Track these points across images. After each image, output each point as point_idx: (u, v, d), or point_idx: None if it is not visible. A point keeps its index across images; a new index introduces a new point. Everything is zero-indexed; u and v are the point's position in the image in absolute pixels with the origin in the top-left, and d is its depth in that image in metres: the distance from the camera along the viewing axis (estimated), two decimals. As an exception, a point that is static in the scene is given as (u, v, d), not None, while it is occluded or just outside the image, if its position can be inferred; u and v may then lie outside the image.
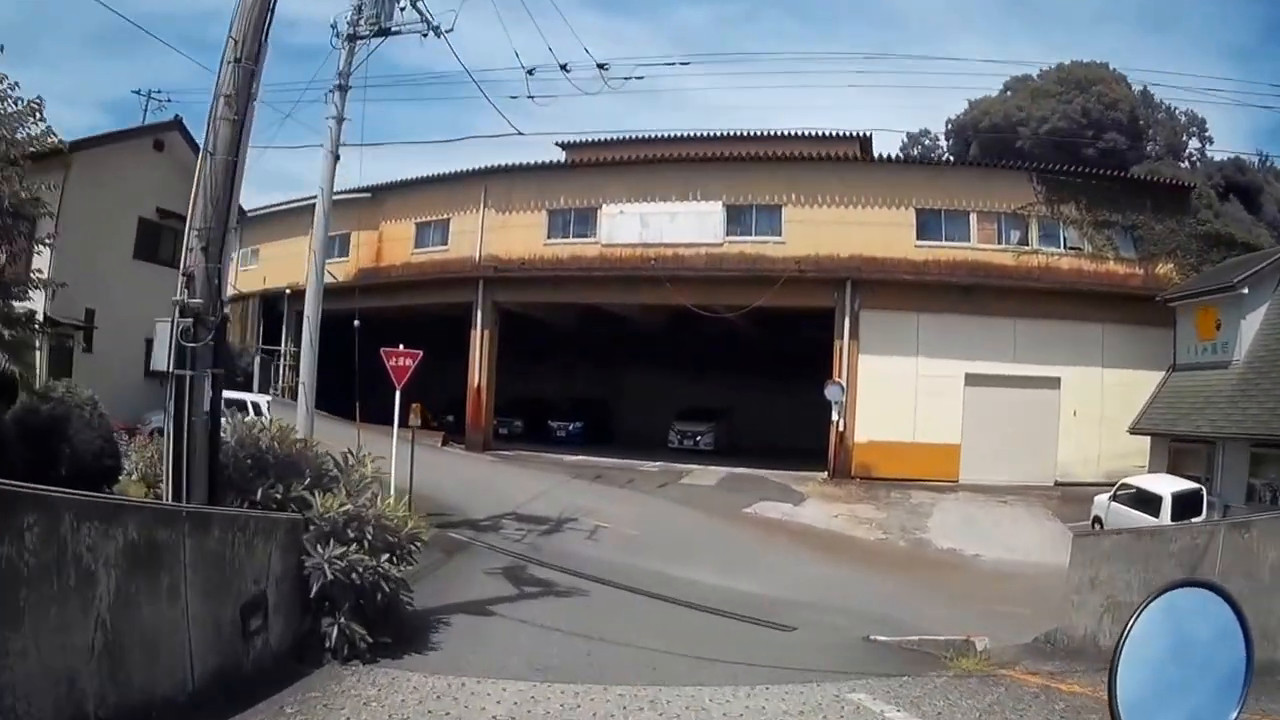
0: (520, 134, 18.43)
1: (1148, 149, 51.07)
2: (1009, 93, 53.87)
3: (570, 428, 32.46)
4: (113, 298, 21.82)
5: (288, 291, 31.56)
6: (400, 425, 16.16)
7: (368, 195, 30.31)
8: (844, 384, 26.09)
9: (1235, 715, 1.55)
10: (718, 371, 33.72)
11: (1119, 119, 50.15)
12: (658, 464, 27.22)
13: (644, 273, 26.18)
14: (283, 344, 32.25)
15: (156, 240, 24.79)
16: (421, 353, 16.59)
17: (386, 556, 7.90)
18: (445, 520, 16.60)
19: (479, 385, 27.75)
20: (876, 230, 26.90)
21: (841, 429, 26.16)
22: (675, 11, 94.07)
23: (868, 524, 20.42)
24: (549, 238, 27.45)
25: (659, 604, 11.84)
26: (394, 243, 29.95)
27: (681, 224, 26.62)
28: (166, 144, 25.07)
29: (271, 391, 31.65)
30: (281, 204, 32.89)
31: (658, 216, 26.71)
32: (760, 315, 30.24)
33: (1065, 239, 28.14)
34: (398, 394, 16.36)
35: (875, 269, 26.48)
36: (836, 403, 26.15)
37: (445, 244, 28.86)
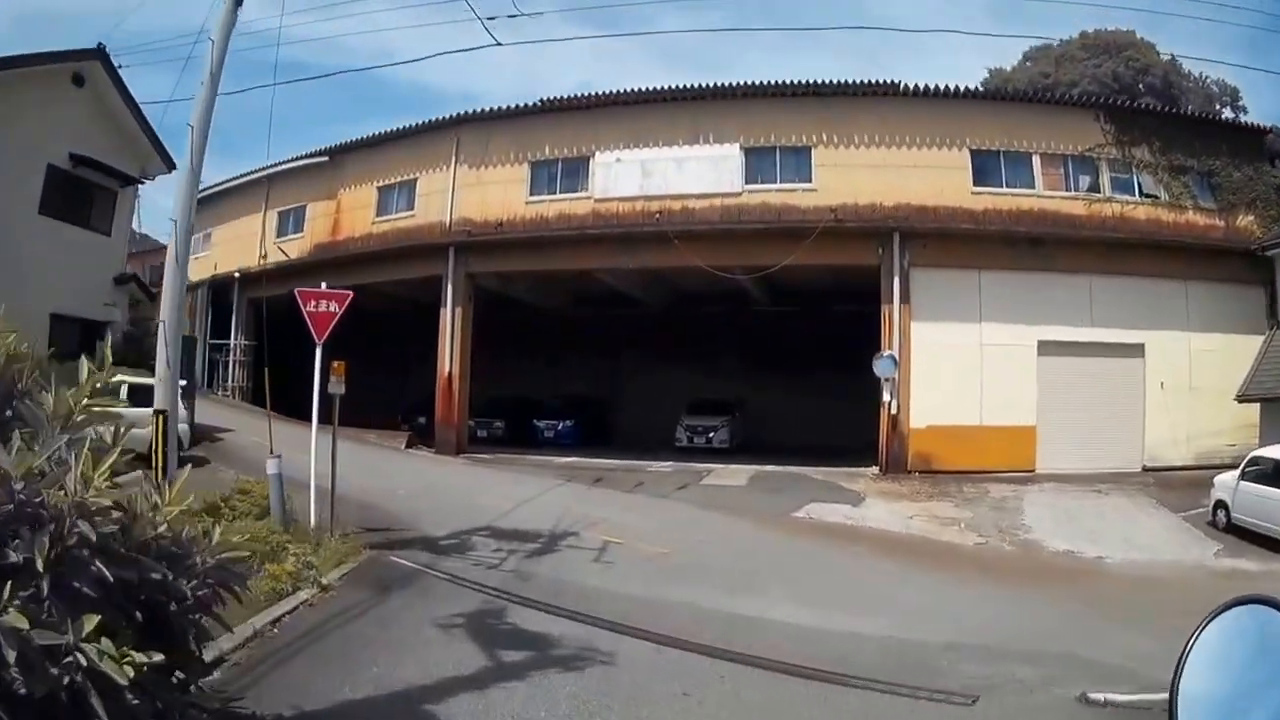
0: (499, 44, 13.27)
1: (1185, 115, 45.41)
2: (1029, 62, 48.47)
3: (560, 427, 26.69)
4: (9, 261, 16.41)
5: (238, 275, 25.98)
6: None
7: (324, 159, 24.98)
8: (896, 356, 20.20)
9: None
10: (731, 360, 28.37)
11: (1153, 83, 44.64)
12: (668, 464, 21.77)
13: (646, 229, 20.62)
14: (233, 336, 26.61)
15: (70, 193, 19.90)
16: (352, 294, 12.16)
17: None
18: (392, 538, 11.99)
19: (450, 374, 22.31)
20: (925, 175, 21.44)
21: (894, 412, 20.46)
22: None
23: (954, 525, 15.34)
24: (532, 194, 21.90)
25: (737, 668, 6.69)
26: (353, 212, 24.47)
27: (691, 172, 21.03)
28: (87, 78, 20.01)
29: (221, 392, 26.02)
30: (234, 179, 27.50)
31: (662, 163, 21.13)
32: (783, 285, 24.98)
33: (1139, 185, 23.08)
34: (318, 353, 11.83)
35: (926, 219, 20.91)
36: (888, 380, 20.43)
37: (411, 209, 23.39)
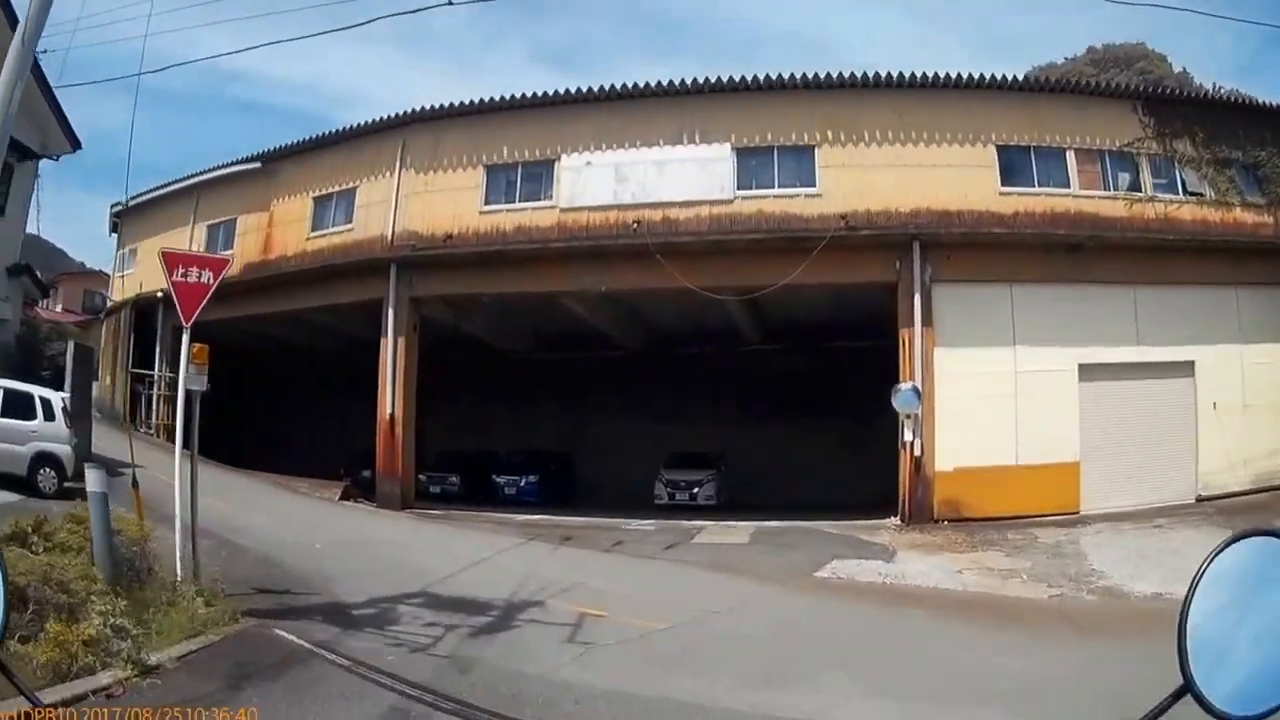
0: (450, 2, 9.52)
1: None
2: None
3: (522, 483, 22.34)
4: None
5: (161, 296, 22.04)
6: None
7: (256, 165, 21.07)
8: (919, 387, 16.48)
9: None
10: (715, 407, 24.70)
11: (1167, 92, 41.26)
12: (649, 522, 18.05)
13: (621, 241, 16.97)
14: (156, 366, 22.61)
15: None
16: (228, 261, 10.14)
17: None
18: (287, 603, 9.26)
19: (392, 417, 18.53)
20: (947, 175, 17.96)
21: (918, 453, 16.69)
22: None
23: (1015, 577, 12.30)
24: (487, 203, 18.14)
25: None
26: (287, 226, 20.66)
27: (674, 176, 17.37)
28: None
29: (144, 429, 22.09)
30: (161, 187, 23.56)
31: (640, 167, 17.47)
32: (776, 318, 21.43)
33: (1183, 182, 19.58)
34: (185, 339, 9.37)
35: (950, 224, 17.24)
36: (909, 416, 16.72)
37: (349, 222, 19.62)
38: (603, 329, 21.88)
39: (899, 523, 17.04)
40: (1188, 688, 1.26)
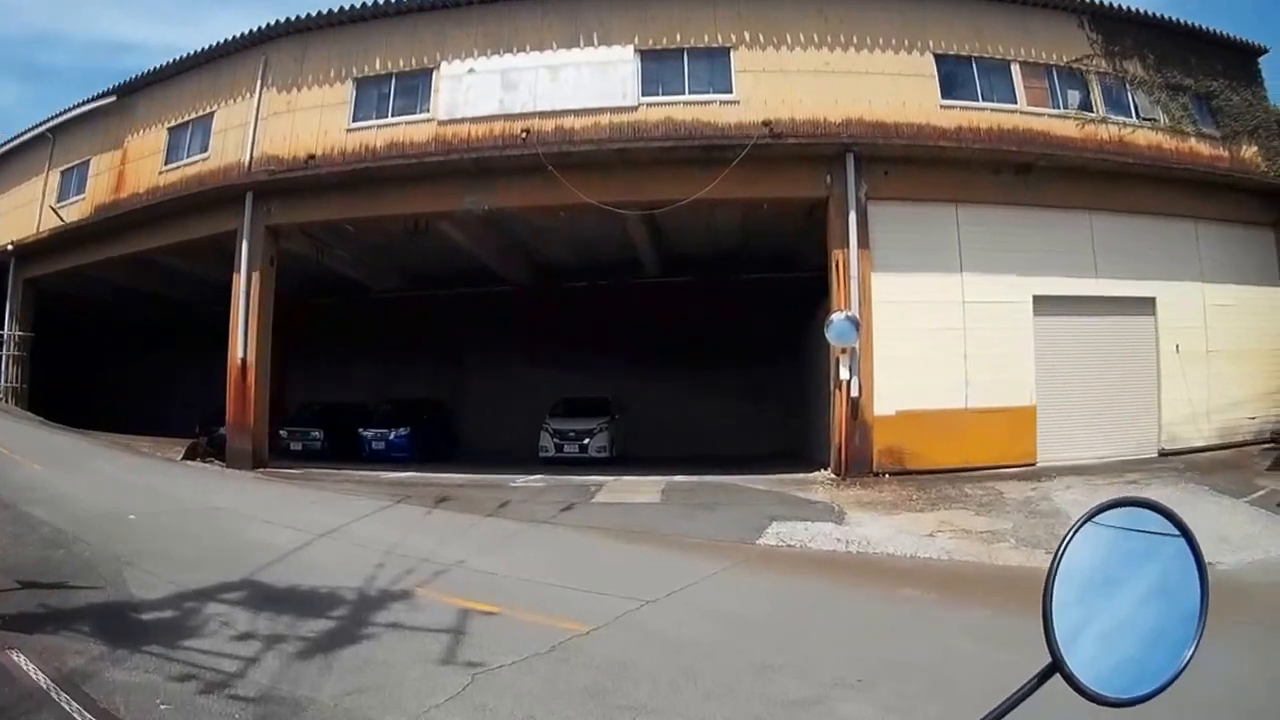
0: None
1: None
2: None
3: (392, 437, 18.71)
4: None
5: (11, 248, 18.76)
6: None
7: (111, 100, 17.78)
8: (856, 316, 13.73)
9: (1193, 644, 1.11)
10: (608, 351, 20.90)
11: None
12: (538, 477, 14.47)
13: (508, 153, 13.74)
14: (5, 326, 19.20)
15: None
16: None
17: None
18: (52, 603, 6.15)
19: (244, 362, 14.90)
20: (882, 84, 15.10)
21: (854, 394, 13.79)
22: None
23: (1001, 541, 9.31)
24: (356, 120, 14.86)
25: None
26: (141, 162, 17.18)
27: (569, 82, 14.34)
28: None
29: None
30: (16, 137, 20.18)
31: (530, 73, 14.38)
32: (676, 248, 18.17)
33: (1136, 106, 16.80)
34: None
35: (888, 137, 14.45)
36: (845, 350, 13.78)
37: (205, 151, 16.16)
38: (484, 261, 18.33)
39: (834, 476, 13.98)
40: (1056, 667, 1.07)
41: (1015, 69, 16.22)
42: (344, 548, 8.74)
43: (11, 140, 20.10)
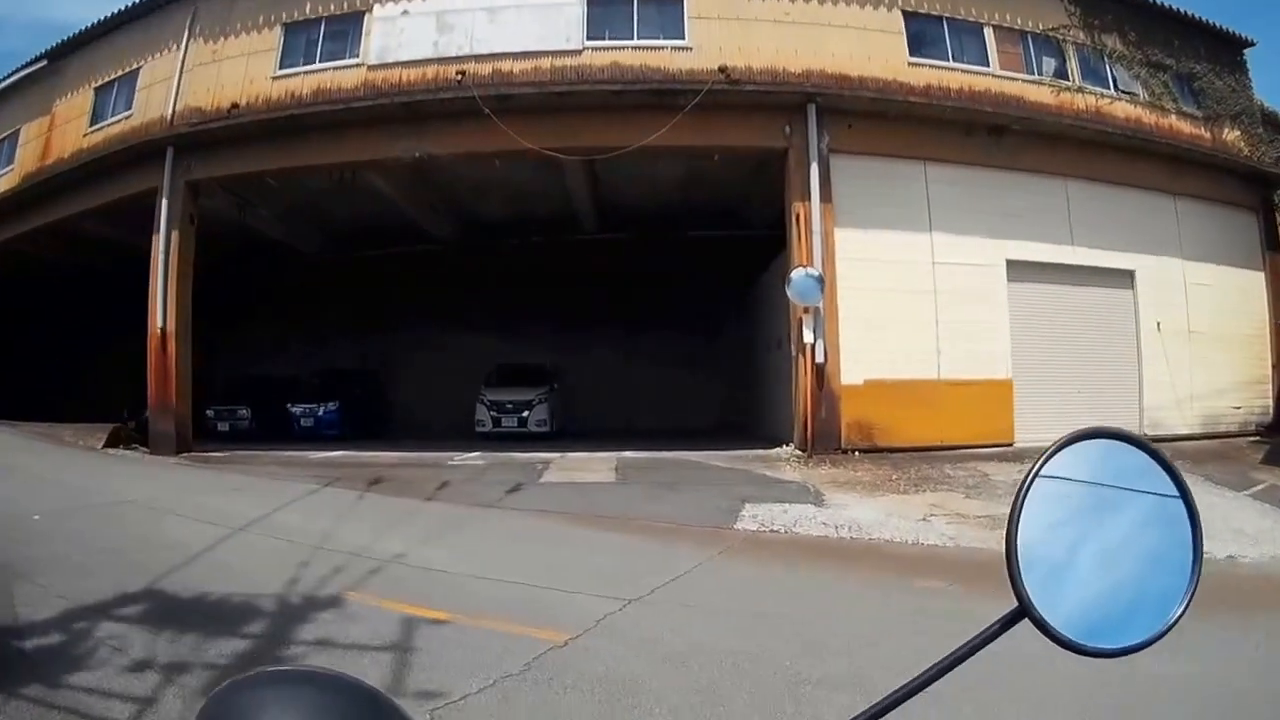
0: None
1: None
2: None
3: (321, 413, 16.28)
4: None
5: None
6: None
7: (42, 65, 15.81)
8: (820, 274, 11.72)
9: (1188, 596, 0.87)
10: (544, 318, 18.52)
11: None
12: (478, 454, 12.30)
13: (441, 97, 11.80)
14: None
15: None
16: None
17: None
18: None
19: (164, 332, 12.68)
20: (847, 37, 13.29)
21: (819, 359, 11.74)
22: None
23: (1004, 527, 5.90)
24: (283, 67, 12.90)
25: None
26: (67, 125, 15.13)
27: (508, 24, 12.44)
28: None
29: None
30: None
31: (468, 15, 12.48)
32: (617, 204, 16.15)
33: (1114, 79, 15.07)
34: None
35: (851, 89, 12.59)
36: (809, 310, 11.76)
37: (130, 108, 14.13)
38: (414, 217, 16.20)
39: (799, 452, 11.81)
40: (1024, 611, 0.85)
41: (989, 32, 14.55)
42: (265, 543, 6.92)
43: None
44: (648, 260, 17.55)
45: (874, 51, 13.37)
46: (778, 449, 12.07)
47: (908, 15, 13.91)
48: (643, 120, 11.79)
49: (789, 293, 11.73)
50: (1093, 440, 0.93)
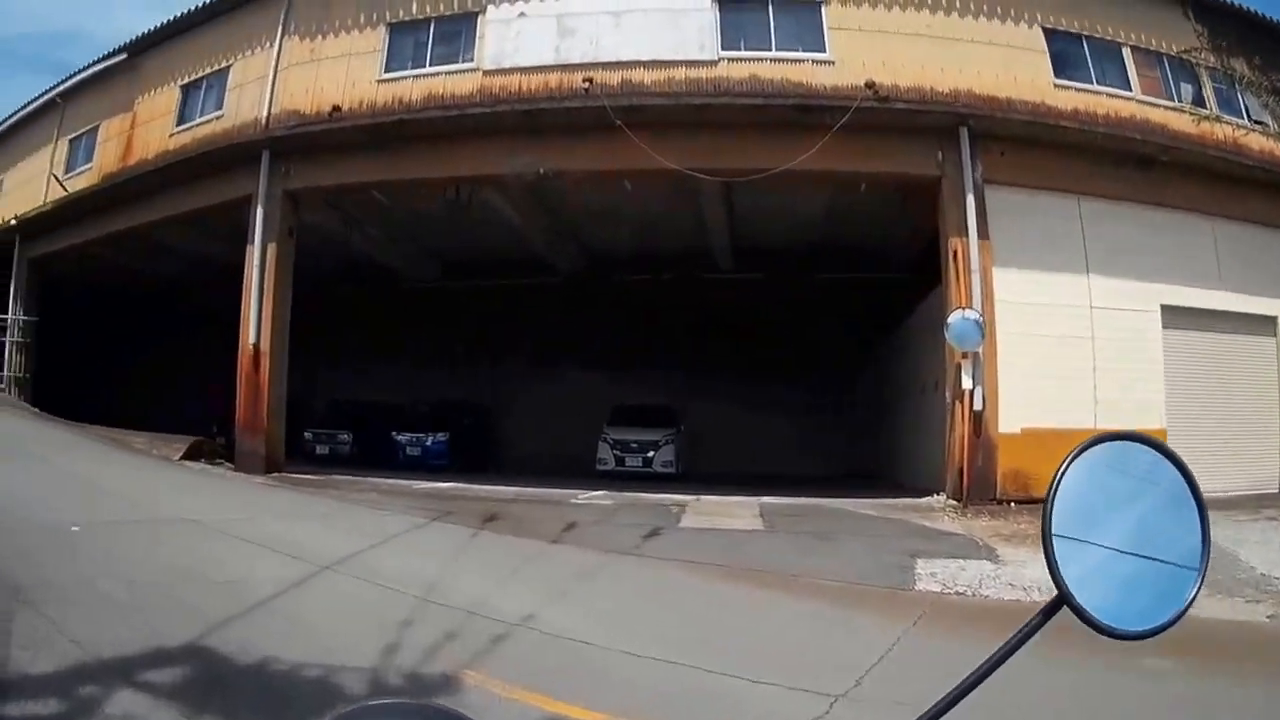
0: None
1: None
2: None
3: (429, 443, 14.56)
4: None
5: (14, 222, 14.92)
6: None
7: (121, 58, 14.02)
8: (980, 318, 9.79)
9: (1198, 581, 0.91)
10: (663, 354, 16.33)
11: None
12: (602, 492, 10.44)
13: (567, 105, 9.90)
14: (10, 308, 15.19)
15: None
16: None
17: None
18: None
19: (257, 349, 10.94)
20: (991, 55, 11.36)
21: (978, 407, 9.80)
22: None
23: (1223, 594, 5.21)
24: (389, 70, 11.05)
25: None
26: (151, 125, 13.32)
27: (635, 30, 10.56)
28: None
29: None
30: (26, 106, 16.39)
31: (590, 19, 10.63)
32: (750, 240, 14.03)
33: (1246, 107, 12.95)
34: None
35: (1002, 111, 10.63)
36: (967, 356, 9.85)
37: (220, 108, 12.32)
38: (531, 245, 14.18)
39: (953, 502, 9.97)
40: (1064, 600, 0.87)
41: (1127, 53, 12.57)
42: (355, 589, 5.13)
43: (21, 109, 16.34)
44: (777, 301, 15.56)
45: (1019, 71, 11.47)
46: (929, 498, 10.19)
47: (1048, 32, 12.01)
48: (785, 140, 9.90)
49: (948, 336, 9.82)
50: (1112, 443, 0.94)
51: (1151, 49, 12.60)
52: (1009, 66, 11.37)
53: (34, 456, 9.79)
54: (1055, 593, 0.86)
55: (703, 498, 9.87)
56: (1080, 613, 0.86)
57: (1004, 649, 0.84)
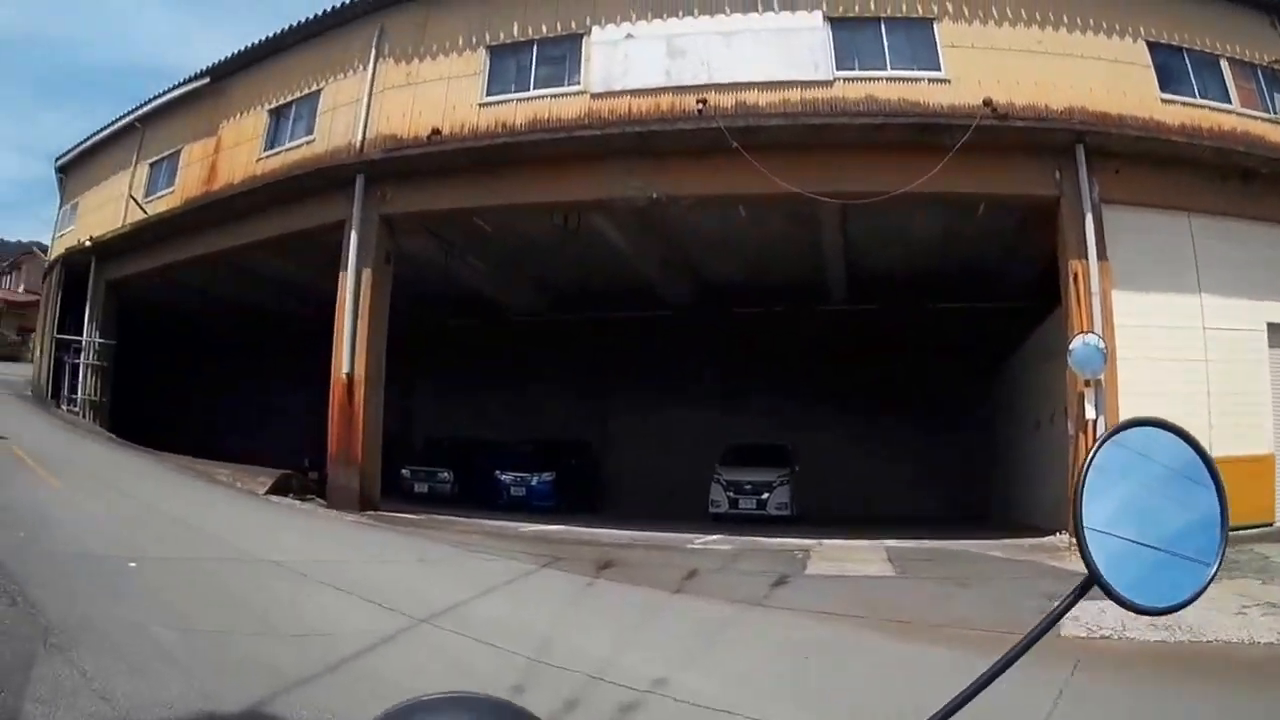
0: None
1: None
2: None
3: (534, 482, 13.66)
4: None
5: (89, 243, 14.38)
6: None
7: (204, 82, 13.45)
8: (1102, 344, 9.13)
9: (1217, 559, 0.92)
10: (773, 391, 15.14)
11: None
12: (719, 536, 9.75)
13: (682, 127, 9.26)
14: (85, 330, 14.65)
15: None
16: None
17: None
18: None
19: (349, 377, 10.30)
20: (1099, 70, 10.72)
21: (1099, 434, 9.03)
22: None
23: None
24: (491, 93, 10.43)
25: None
26: (236, 149, 12.76)
27: (746, 51, 9.92)
28: None
29: (67, 406, 14.35)
30: (105, 128, 15.83)
31: (701, 40, 9.97)
32: (866, 267, 13.27)
33: None
34: None
35: (1116, 128, 9.95)
36: (1091, 382, 9.19)
37: (310, 134, 11.71)
38: (642, 275, 13.31)
39: (1071, 540, 9.58)
40: (1094, 579, 0.89)
41: (1225, 65, 11.82)
42: (457, 646, 4.39)
43: (98, 133, 15.74)
44: (888, 334, 14.59)
45: (1127, 86, 10.80)
46: (1051, 537, 9.56)
47: (1151, 45, 11.31)
48: (904, 161, 9.27)
49: (1071, 363, 9.19)
50: (1136, 429, 0.95)
51: (1247, 60, 11.91)
52: (1117, 81, 10.71)
53: (103, 484, 9.29)
54: (1086, 574, 0.88)
55: (824, 542, 9.26)
56: (1109, 591, 0.87)
57: (1041, 626, 0.85)
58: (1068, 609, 0.87)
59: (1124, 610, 0.92)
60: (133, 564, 5.62)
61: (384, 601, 5.15)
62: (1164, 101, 10.94)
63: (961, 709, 0.82)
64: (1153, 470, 0.93)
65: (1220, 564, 0.91)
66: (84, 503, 7.93)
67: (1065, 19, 10.83)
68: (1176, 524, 0.92)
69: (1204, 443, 4.25)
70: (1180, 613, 3.47)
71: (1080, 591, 0.87)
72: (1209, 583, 0.90)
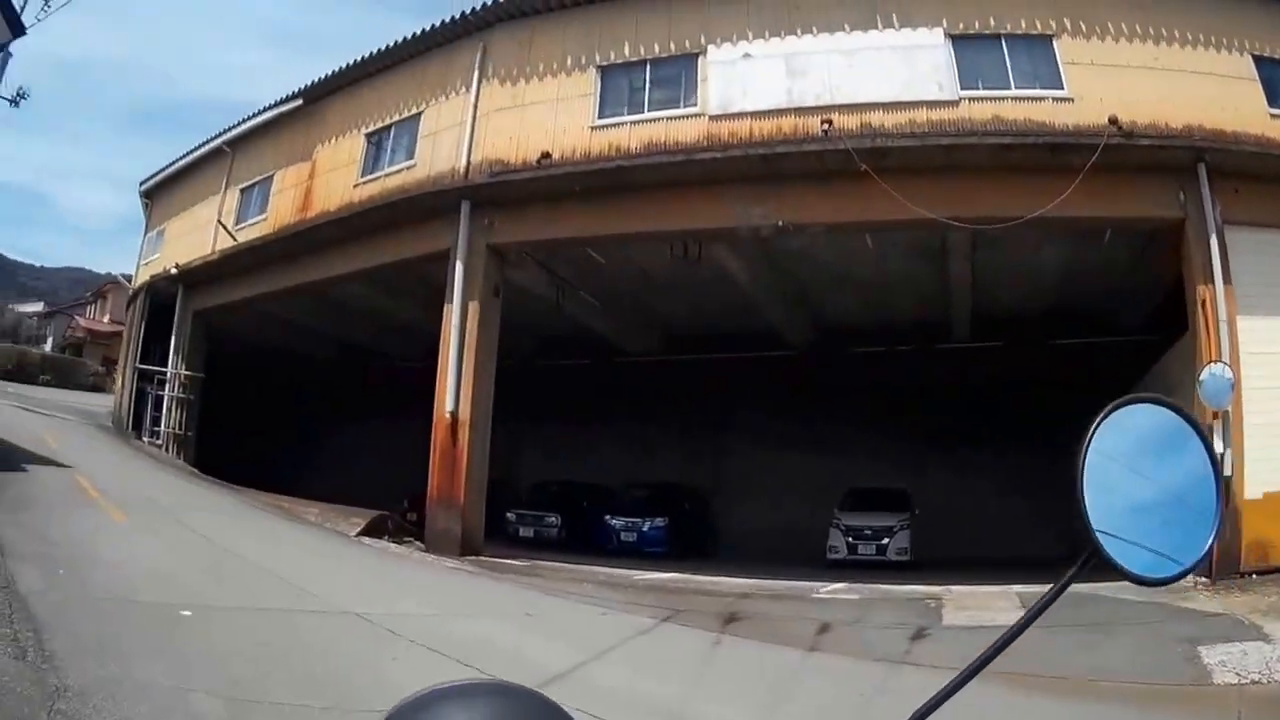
0: None
1: None
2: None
3: (646, 528, 12.84)
4: None
5: (175, 270, 13.89)
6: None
7: (297, 104, 12.92)
8: (1228, 373, 8.56)
9: (1213, 532, 0.92)
10: (887, 433, 14.19)
11: None
12: (843, 585, 9.20)
13: (808, 149, 8.72)
14: (170, 360, 14.20)
15: None
16: None
17: None
18: None
19: (454, 416, 9.68)
20: (1210, 86, 10.07)
21: (1228, 473, 8.58)
22: None
23: None
24: (603, 115, 9.89)
25: None
26: (331, 175, 12.19)
27: (869, 70, 9.36)
28: None
29: (149, 438, 13.85)
30: (193, 151, 15.28)
31: (821, 58, 9.41)
32: (993, 302, 12.31)
33: None
34: None
35: (1230, 144, 9.34)
36: (1219, 414, 8.62)
37: (411, 158, 11.14)
38: (761, 312, 12.45)
39: (1203, 579, 8.88)
40: (1097, 551, 0.90)
41: (1328, 78, 11.10)
42: None
43: (184, 156, 15.19)
44: (1007, 371, 13.69)
45: (1238, 102, 10.20)
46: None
47: (1257, 59, 10.67)
48: (1032, 183, 8.75)
49: (1201, 396, 8.64)
50: (1134, 406, 0.96)
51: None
52: (1228, 98, 10.11)
53: (172, 520, 8.52)
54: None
55: (952, 588, 8.70)
56: (1111, 562, 0.88)
57: (1048, 596, 0.87)
58: (1076, 578, 0.87)
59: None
60: (186, 612, 4.83)
61: (485, 666, 4.33)
62: (1273, 117, 10.35)
63: (955, 694, 0.85)
64: (1154, 447, 0.94)
65: (1216, 538, 0.91)
66: (145, 540, 7.11)
67: (1176, 34, 10.24)
68: (1173, 493, 0.92)
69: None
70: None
71: (1084, 562, 0.88)
72: (1204, 555, 0.91)
